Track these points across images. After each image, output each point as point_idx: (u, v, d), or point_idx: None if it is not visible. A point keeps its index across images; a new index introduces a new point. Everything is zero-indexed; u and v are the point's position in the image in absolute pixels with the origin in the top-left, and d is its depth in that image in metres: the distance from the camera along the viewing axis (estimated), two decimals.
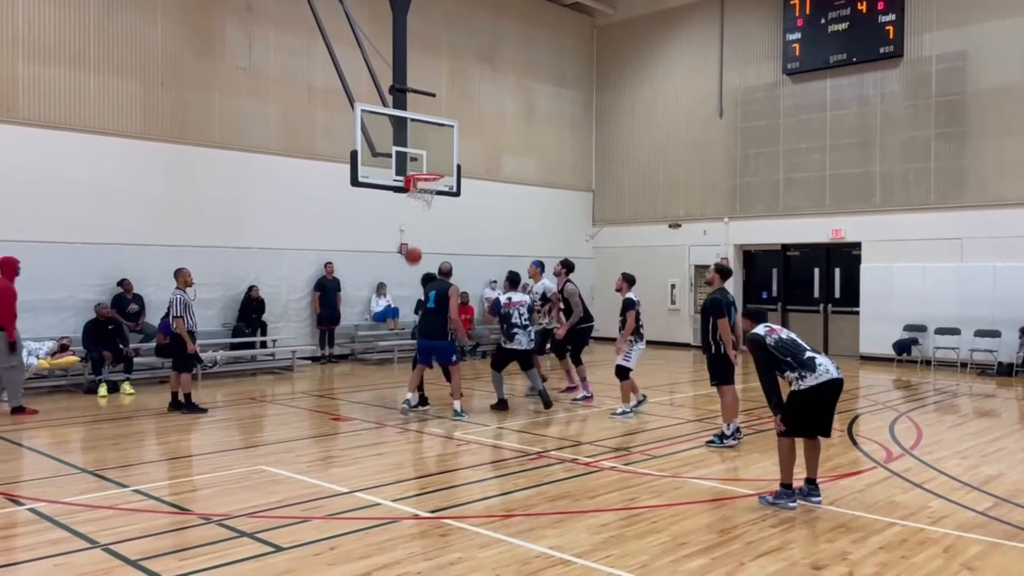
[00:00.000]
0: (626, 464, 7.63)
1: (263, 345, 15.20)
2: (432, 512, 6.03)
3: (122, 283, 13.29)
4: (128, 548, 5.19)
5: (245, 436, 9.29)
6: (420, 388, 10.64)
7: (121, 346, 12.24)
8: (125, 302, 13.24)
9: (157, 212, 13.92)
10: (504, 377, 10.91)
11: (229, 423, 10.01)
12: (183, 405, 10.44)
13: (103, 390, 11.73)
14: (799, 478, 6.36)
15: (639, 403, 10.37)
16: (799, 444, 6.31)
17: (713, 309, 8.35)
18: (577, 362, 11.73)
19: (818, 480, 6.43)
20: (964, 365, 15.49)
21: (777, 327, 6.50)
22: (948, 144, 16.24)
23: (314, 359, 15.91)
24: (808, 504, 6.20)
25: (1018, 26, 15.40)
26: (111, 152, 13.43)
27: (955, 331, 15.67)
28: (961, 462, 7.86)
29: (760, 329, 6.42)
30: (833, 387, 6.16)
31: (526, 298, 10.82)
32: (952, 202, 16.13)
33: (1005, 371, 14.74)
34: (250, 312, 14.81)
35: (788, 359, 6.16)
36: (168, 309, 10.63)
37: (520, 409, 10.83)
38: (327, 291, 15.90)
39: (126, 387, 12.00)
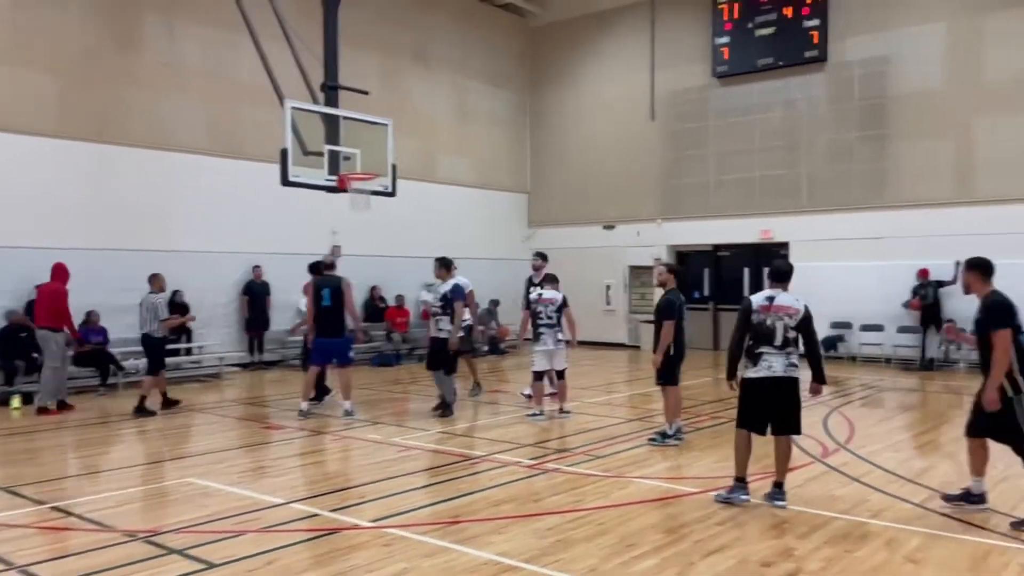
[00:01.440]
0: (570, 465, 7.54)
1: (188, 352, 14.65)
2: (374, 521, 5.82)
3: (38, 288, 12.57)
4: (47, 569, 4.85)
5: (171, 447, 8.87)
6: (320, 382, 10.80)
7: (35, 355, 11.58)
8: None
9: (74, 214, 13.26)
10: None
11: (154, 434, 9.56)
12: (147, 411, 10.52)
13: (16, 402, 11.08)
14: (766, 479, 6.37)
15: (534, 415, 9.98)
16: (769, 444, 6.33)
17: (666, 310, 8.32)
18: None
19: (756, 477, 6.46)
20: (888, 360, 15.97)
21: (778, 304, 6.12)
22: (870, 146, 16.74)
23: (243, 366, 15.41)
24: (772, 507, 6.12)
25: (937, 32, 15.98)
26: (24, 151, 12.73)
27: (879, 328, 16.15)
28: (894, 455, 8.02)
29: (758, 298, 6.25)
30: (768, 384, 6.12)
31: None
32: (874, 203, 16.62)
33: (927, 366, 15.25)
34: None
35: (751, 342, 6.18)
36: (149, 312, 10.67)
37: (457, 412, 10.65)
38: (256, 295, 15.43)
39: (14, 402, 11.31)
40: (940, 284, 15.26)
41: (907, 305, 15.69)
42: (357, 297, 17.39)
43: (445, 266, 10.48)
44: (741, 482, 6.25)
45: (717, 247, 19.20)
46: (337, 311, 10.08)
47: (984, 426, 6.04)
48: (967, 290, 6.12)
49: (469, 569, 4.86)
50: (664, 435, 8.43)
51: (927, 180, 16.06)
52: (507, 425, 9.84)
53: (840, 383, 13.72)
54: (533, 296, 10.45)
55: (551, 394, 10.54)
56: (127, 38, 14.05)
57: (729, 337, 6.49)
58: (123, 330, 13.44)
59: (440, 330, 10.13)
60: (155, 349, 10.80)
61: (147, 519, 5.91)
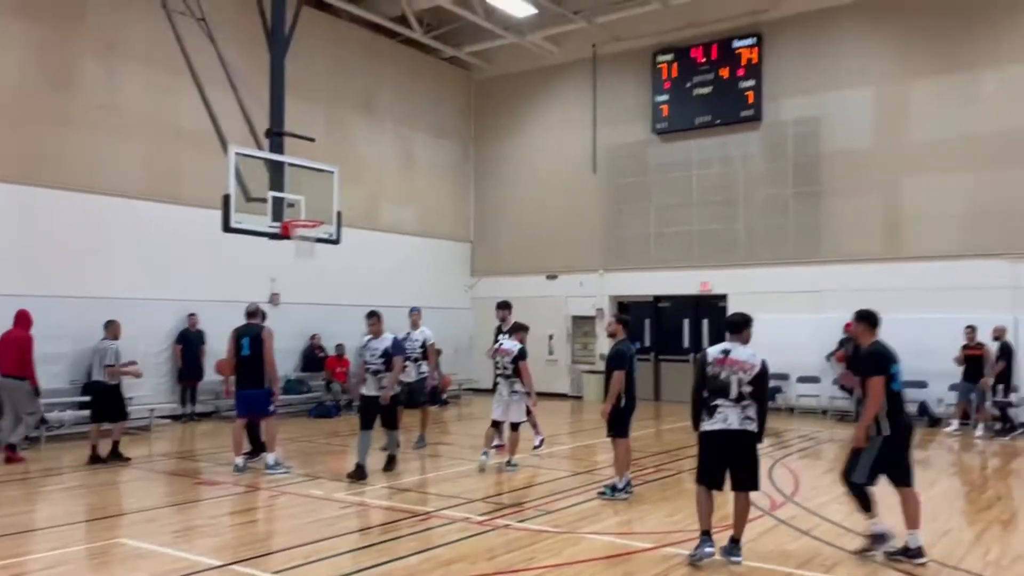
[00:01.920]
0: (521, 521, 7.39)
1: (34, 412, 13.91)
2: None
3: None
4: None
5: (100, 505, 8.39)
6: (253, 438, 10.40)
7: None
8: None
9: (2, 259, 12.67)
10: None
11: (80, 491, 9.04)
12: (111, 458, 10.48)
13: None
14: (692, 540, 6.30)
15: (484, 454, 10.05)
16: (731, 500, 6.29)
17: (615, 360, 8.31)
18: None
19: (718, 528, 6.40)
20: (824, 412, 16.27)
21: (733, 359, 6.13)
22: (804, 203, 17.30)
23: (174, 417, 14.81)
24: (728, 561, 6.08)
25: (865, 96, 16.71)
26: None
27: (815, 379, 16.49)
28: (840, 507, 8.06)
29: (714, 350, 6.26)
30: (723, 437, 6.09)
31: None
32: (809, 257, 17.11)
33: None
34: None
35: (706, 395, 6.16)
36: (94, 361, 10.74)
37: (403, 465, 10.39)
38: (190, 344, 14.94)
39: None
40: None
41: (831, 356, 16.17)
42: (297, 346, 17.08)
43: (376, 318, 9.79)
44: (706, 535, 6.13)
45: (658, 298, 19.45)
46: (256, 361, 9.74)
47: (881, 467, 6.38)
48: (856, 339, 6.66)
49: None
50: (614, 488, 8.35)
51: (858, 236, 16.64)
52: (454, 479, 9.62)
53: (779, 434, 13.89)
54: (494, 346, 10.37)
55: (497, 446, 10.39)
56: (64, 79, 13.68)
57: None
58: (50, 380, 12.81)
59: (382, 388, 9.50)
60: (108, 397, 10.63)
61: None
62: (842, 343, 15.98)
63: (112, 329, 10.90)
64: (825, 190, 17.06)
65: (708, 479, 6.23)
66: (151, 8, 13.18)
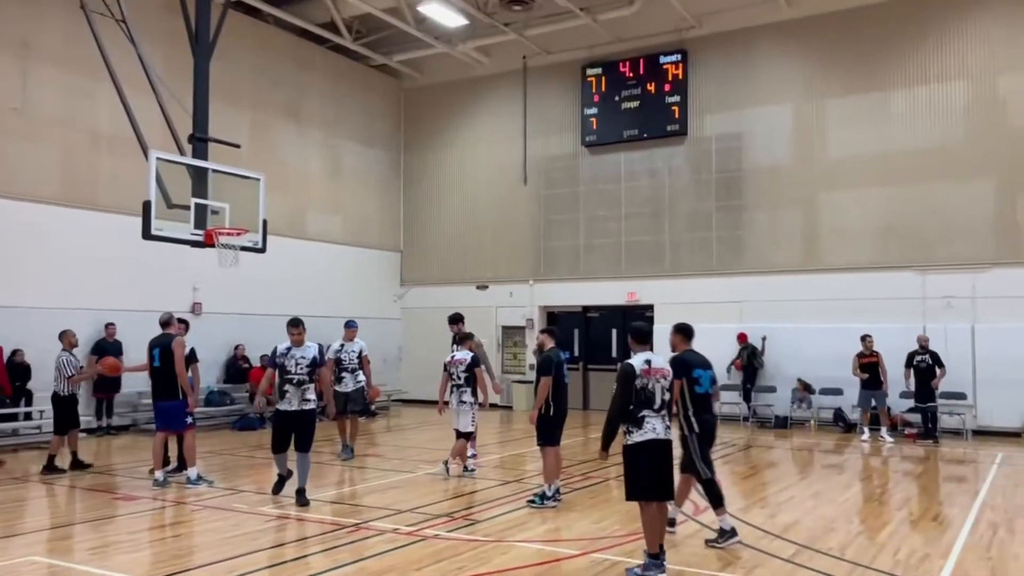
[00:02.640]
0: (449, 531, 7.37)
1: (28, 416, 13.44)
2: None
3: None
4: None
5: (10, 522, 8.01)
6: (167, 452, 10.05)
7: None
8: None
9: None
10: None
11: None
12: (73, 467, 10.57)
13: None
14: (616, 546, 6.39)
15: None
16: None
17: (542, 367, 8.38)
18: None
19: (633, 538, 6.45)
20: (746, 419, 16.71)
21: (656, 367, 6.12)
22: (727, 215, 17.78)
23: (89, 431, 14.25)
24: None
25: (784, 113, 17.32)
26: None
27: (737, 387, 16.92)
28: (760, 511, 8.34)
29: (637, 362, 6.09)
30: (654, 446, 6.01)
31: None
32: (732, 268, 17.59)
33: (781, 424, 16.07)
34: (14, 379, 13.10)
35: (632, 408, 6.00)
36: (56, 371, 10.67)
37: (330, 477, 10.25)
38: (106, 354, 14.35)
39: None
40: (754, 351, 16.65)
41: (731, 366, 16.88)
42: (220, 357, 16.66)
43: (296, 326, 8.70)
44: (656, 559, 5.92)
45: (587, 308, 19.69)
46: (167, 372, 9.58)
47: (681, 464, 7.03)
48: (672, 348, 7.11)
49: None
50: (543, 496, 8.40)
51: (778, 248, 17.19)
52: (382, 490, 9.53)
53: None
54: (447, 358, 10.49)
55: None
56: None
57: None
58: None
59: (307, 400, 8.57)
60: (61, 407, 10.63)
61: None
62: (740, 352, 16.64)
63: (66, 338, 10.88)
64: (747, 204, 17.57)
65: (658, 492, 6.03)
66: (68, 8, 12.73)
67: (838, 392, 15.68)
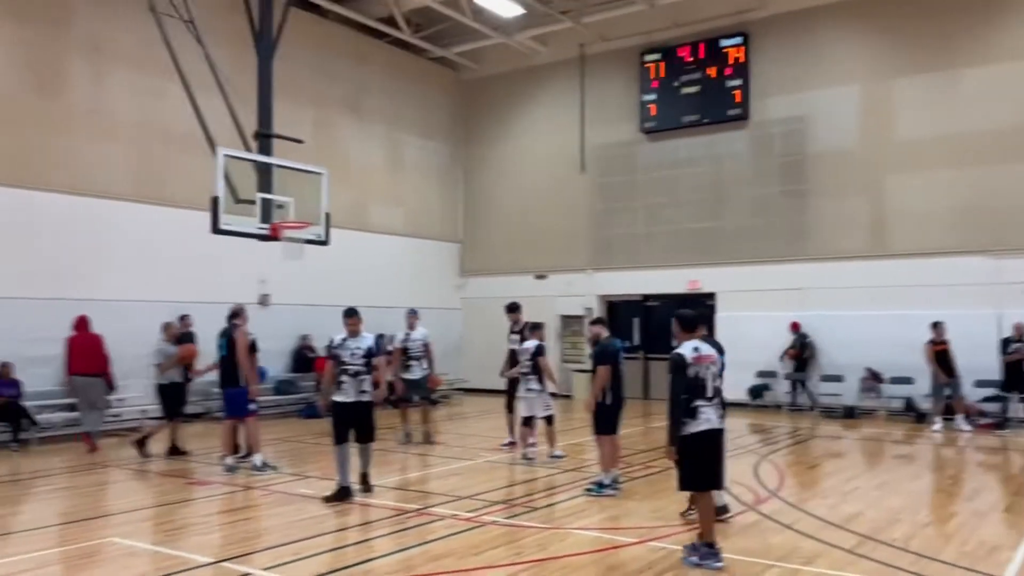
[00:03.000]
0: (508, 518, 7.48)
1: (108, 405, 14.02)
2: None
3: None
4: None
5: (91, 505, 8.44)
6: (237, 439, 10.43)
7: None
8: None
9: None
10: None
11: (71, 492, 9.10)
12: (180, 451, 11.17)
13: None
14: (675, 535, 6.40)
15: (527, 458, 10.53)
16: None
17: (599, 356, 8.42)
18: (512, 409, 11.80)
19: (693, 527, 6.46)
20: (812, 408, 16.41)
21: (704, 354, 6.09)
22: (791, 201, 17.44)
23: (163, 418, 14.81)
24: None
25: (851, 95, 16.87)
26: None
27: (773, 375, 16.69)
28: (823, 502, 8.22)
29: (687, 351, 6.08)
30: (712, 436, 6.03)
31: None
32: (796, 255, 17.25)
33: (848, 413, 15.74)
34: None
35: (684, 397, 5.97)
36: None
37: (393, 464, 10.48)
38: (181, 345, 14.91)
39: None
40: (806, 340, 16.52)
41: (784, 355, 16.71)
42: (286, 347, 17.12)
43: (355, 316, 8.62)
44: (712, 547, 5.93)
45: (646, 297, 19.56)
46: (231, 361, 9.93)
47: None
48: (675, 337, 6.57)
49: None
50: (601, 485, 8.45)
51: (844, 234, 16.79)
52: (442, 477, 9.71)
53: (767, 431, 14.04)
54: (517, 346, 11.00)
55: (509, 443, 11.28)
56: (51, 83, 13.69)
57: (659, 387, 6.41)
58: (39, 382, 12.89)
59: (364, 392, 8.40)
60: (162, 396, 11.26)
61: None
62: (794, 342, 16.53)
63: (168, 331, 11.62)
64: (811, 188, 17.20)
65: (710, 482, 6.05)
66: (138, 11, 13.17)
67: (908, 381, 15.28)
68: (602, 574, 5.81)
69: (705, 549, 5.96)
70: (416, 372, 12.14)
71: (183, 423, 11.48)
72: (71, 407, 13.23)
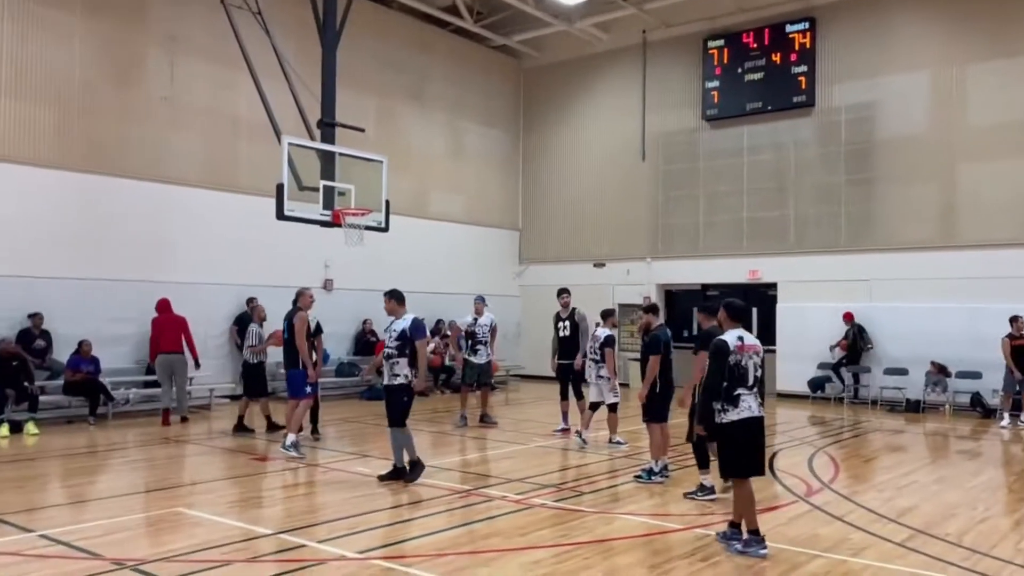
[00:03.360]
0: (556, 501, 7.61)
1: (186, 382, 14.62)
2: (360, 553, 5.87)
3: (33, 317, 12.66)
4: None
5: (160, 477, 8.88)
6: (312, 419, 11.00)
7: (26, 384, 11.59)
8: (32, 337, 12.60)
9: (68, 244, 13.35)
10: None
11: (143, 464, 9.57)
12: (269, 429, 11.48)
13: (5, 430, 11.07)
14: (722, 521, 6.40)
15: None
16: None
17: (649, 346, 8.47)
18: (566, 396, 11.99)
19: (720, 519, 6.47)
20: (875, 402, 16.09)
21: (748, 344, 6.12)
22: (857, 189, 17.05)
23: (232, 397, 15.39)
24: (726, 546, 6.11)
25: (921, 80, 16.38)
26: (22, 181, 12.86)
27: (866, 369, 16.29)
28: (877, 495, 8.11)
29: (730, 338, 6.10)
30: (753, 424, 6.05)
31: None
32: (861, 245, 16.88)
33: (913, 407, 15.36)
34: None
35: (725, 385, 6.01)
36: (246, 341, 11.88)
37: (448, 446, 10.71)
38: (247, 326, 15.41)
39: (30, 427, 11.36)
40: (861, 332, 16.21)
41: (835, 347, 16.42)
42: (349, 331, 17.55)
43: (398, 299, 8.55)
44: (757, 534, 5.97)
45: (706, 286, 19.38)
46: (290, 344, 10.24)
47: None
48: (720, 324, 6.53)
49: None
50: (650, 472, 8.49)
51: (912, 223, 16.35)
52: (495, 460, 9.89)
53: (827, 423, 13.83)
54: (565, 333, 11.53)
55: (563, 429, 11.58)
56: (127, 72, 14.28)
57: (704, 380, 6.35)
58: (115, 360, 13.54)
59: (396, 375, 8.18)
60: (248, 374, 11.76)
61: (136, 548, 5.94)
62: (847, 332, 16.31)
63: (256, 313, 11.99)
64: (878, 176, 16.78)
65: (753, 469, 6.06)
66: (210, 3, 13.64)
67: (976, 376, 14.84)
68: (647, 558, 5.88)
69: (751, 536, 5.99)
70: (483, 356, 12.47)
71: (263, 401, 11.78)
72: (145, 384, 13.87)
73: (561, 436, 11.48)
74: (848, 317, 16.40)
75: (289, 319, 10.34)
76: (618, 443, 10.57)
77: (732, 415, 6.03)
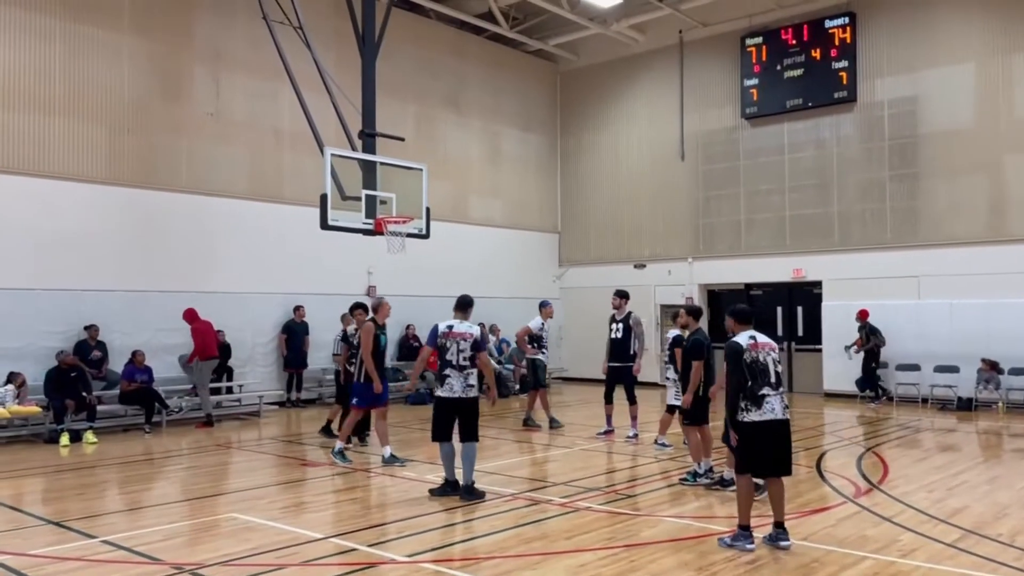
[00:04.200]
0: (601, 504, 7.65)
1: (229, 391, 15.00)
2: (409, 556, 5.99)
3: (89, 329, 13.07)
4: None
5: (213, 484, 9.13)
6: (362, 426, 10.98)
7: (84, 394, 11.98)
8: (88, 349, 13.00)
9: (121, 257, 13.76)
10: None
11: (196, 471, 9.84)
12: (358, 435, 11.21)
13: (65, 439, 11.44)
14: (766, 522, 6.40)
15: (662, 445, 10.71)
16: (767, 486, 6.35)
17: (693, 350, 8.47)
18: (611, 399, 12.00)
19: (788, 517, 6.50)
20: (925, 400, 15.81)
21: (762, 342, 6.28)
22: (902, 185, 16.78)
23: (281, 404, 15.72)
24: (776, 547, 6.12)
25: (965, 72, 16.07)
26: (75, 197, 13.30)
27: (915, 367, 16.02)
28: (927, 495, 8.01)
29: (742, 339, 6.26)
30: (775, 427, 6.12)
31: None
32: (908, 241, 16.60)
33: (964, 406, 15.06)
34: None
35: (749, 384, 6.10)
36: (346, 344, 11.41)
37: (490, 450, 10.81)
38: (295, 334, 15.78)
39: (89, 436, 11.73)
40: (873, 330, 16.02)
41: (850, 347, 16.24)
42: (393, 336, 17.76)
43: (462, 307, 8.19)
44: (747, 530, 6.14)
45: (749, 286, 19.23)
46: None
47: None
48: (729, 332, 6.67)
49: None
50: (695, 475, 8.49)
51: (959, 218, 16.05)
52: (539, 463, 9.96)
53: (875, 423, 13.64)
54: (618, 335, 11.67)
55: (607, 431, 11.78)
56: (175, 89, 14.68)
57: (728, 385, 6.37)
58: (167, 369, 13.91)
59: (470, 386, 7.85)
60: (338, 382, 11.81)
61: (193, 552, 6.14)
62: (860, 330, 16.18)
63: (346, 321, 11.90)
64: (923, 171, 16.50)
65: (760, 469, 6.21)
66: (252, 19, 13.97)
67: None
68: (693, 560, 5.90)
69: (740, 531, 6.16)
70: (547, 358, 12.80)
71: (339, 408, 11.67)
72: (195, 392, 14.21)
73: (605, 439, 11.51)
74: (863, 315, 16.14)
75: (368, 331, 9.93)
76: (663, 445, 10.54)
77: (755, 415, 6.11)
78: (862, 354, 16.06)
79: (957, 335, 15.57)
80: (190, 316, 13.63)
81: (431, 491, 8.04)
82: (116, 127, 13.86)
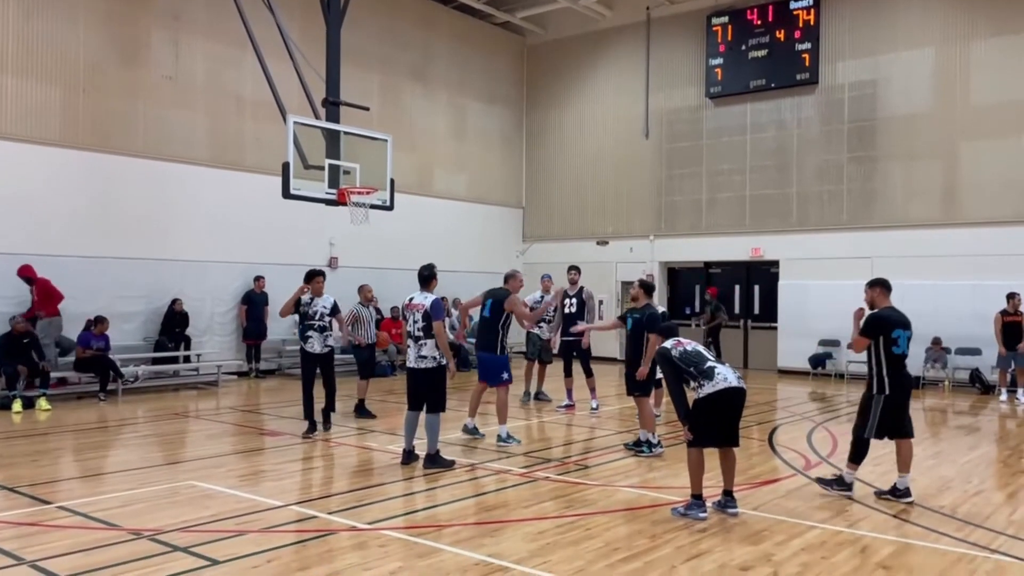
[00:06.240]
0: (559, 474, 7.78)
1: (187, 360, 14.85)
2: (370, 524, 6.05)
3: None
4: (57, 564, 5.06)
5: (172, 452, 9.08)
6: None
7: (37, 360, 11.78)
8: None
9: (76, 222, 13.49)
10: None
11: (154, 439, 9.77)
12: (363, 410, 11.06)
13: (18, 406, 11.26)
14: (716, 491, 6.58)
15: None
16: (714, 456, 6.50)
17: (650, 323, 8.60)
18: (570, 373, 12.09)
19: (739, 488, 6.69)
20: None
21: (684, 340, 6.74)
22: (859, 167, 17.10)
23: (240, 374, 15.61)
24: (724, 514, 6.34)
25: (925, 58, 16.38)
26: (28, 159, 12.99)
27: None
28: (874, 469, 8.25)
29: (668, 343, 6.68)
30: (730, 395, 6.29)
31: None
32: (863, 222, 16.96)
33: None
34: (173, 326, 14.48)
35: (691, 369, 6.37)
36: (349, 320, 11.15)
37: (452, 422, 10.87)
38: (255, 304, 15.64)
39: (42, 403, 11.55)
40: (718, 307, 17.11)
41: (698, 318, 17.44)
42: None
43: (422, 279, 8.22)
44: (698, 498, 6.33)
45: (708, 264, 19.50)
46: (491, 325, 9.77)
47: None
48: (871, 304, 7.49)
49: (461, 569, 5.09)
50: (650, 445, 8.66)
51: (914, 201, 16.43)
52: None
53: (827, 399, 13.99)
54: (572, 310, 11.79)
55: (567, 405, 11.96)
56: (132, 52, 14.34)
57: (727, 355, 6.71)
58: (123, 337, 13.71)
59: (423, 357, 7.92)
60: (366, 358, 11.42)
61: (151, 519, 6.12)
62: (705, 305, 17.32)
63: (363, 293, 11.58)
64: (881, 154, 16.83)
65: (716, 439, 6.37)
66: None
67: (976, 352, 15.00)
68: (648, 528, 6.04)
69: (693, 500, 6.34)
70: (545, 332, 12.44)
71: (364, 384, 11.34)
72: (153, 360, 14.07)
73: (565, 412, 11.65)
74: (713, 292, 17.59)
75: (499, 300, 9.59)
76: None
77: (708, 388, 6.28)
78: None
79: (907, 315, 15.92)
80: (30, 272, 12.57)
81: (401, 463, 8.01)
82: (71, 88, 13.52)
